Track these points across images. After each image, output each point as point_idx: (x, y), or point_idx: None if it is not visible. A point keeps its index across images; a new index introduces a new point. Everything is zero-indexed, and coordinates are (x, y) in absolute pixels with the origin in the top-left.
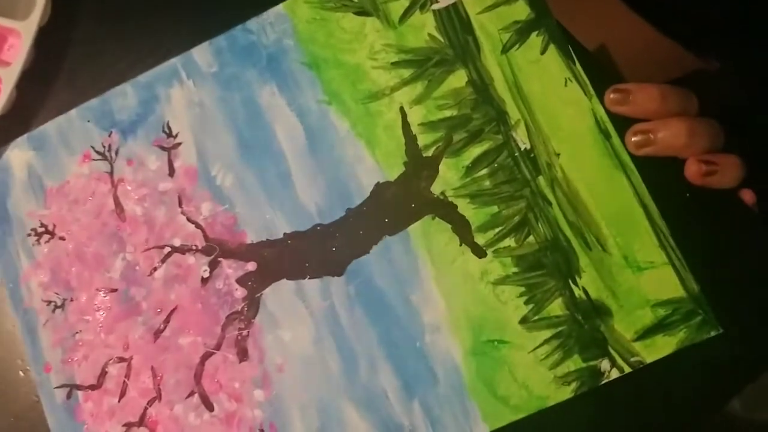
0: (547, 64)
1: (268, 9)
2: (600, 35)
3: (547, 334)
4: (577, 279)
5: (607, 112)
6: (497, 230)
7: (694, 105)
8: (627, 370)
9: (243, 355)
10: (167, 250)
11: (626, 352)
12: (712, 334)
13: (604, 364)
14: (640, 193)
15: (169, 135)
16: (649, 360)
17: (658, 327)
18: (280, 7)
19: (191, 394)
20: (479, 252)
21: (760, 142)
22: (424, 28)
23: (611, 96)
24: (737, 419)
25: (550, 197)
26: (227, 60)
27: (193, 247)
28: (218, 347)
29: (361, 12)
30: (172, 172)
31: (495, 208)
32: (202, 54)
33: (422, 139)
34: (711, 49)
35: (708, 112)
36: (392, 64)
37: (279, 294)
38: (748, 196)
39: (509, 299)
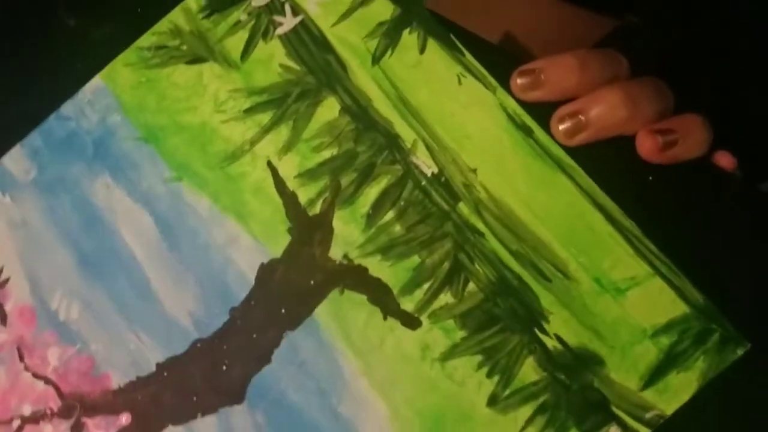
0: (431, 64)
1: (82, 85)
2: (502, 24)
3: (527, 411)
4: (545, 325)
5: (520, 102)
6: (426, 287)
7: (623, 66)
8: (645, 431)
9: None
10: (17, 423)
11: (637, 408)
12: (740, 352)
13: None
14: (590, 192)
15: None
16: (669, 411)
17: (668, 362)
18: (96, 79)
19: None
20: (411, 322)
21: (719, 89)
22: (273, 60)
23: (518, 81)
24: None
25: (480, 226)
26: (46, 159)
27: (48, 412)
28: None
29: (194, 59)
30: (4, 319)
31: (416, 259)
32: (14, 160)
33: (303, 194)
34: (626, 5)
35: (643, 72)
36: (245, 111)
37: None
38: (725, 159)
39: (466, 376)
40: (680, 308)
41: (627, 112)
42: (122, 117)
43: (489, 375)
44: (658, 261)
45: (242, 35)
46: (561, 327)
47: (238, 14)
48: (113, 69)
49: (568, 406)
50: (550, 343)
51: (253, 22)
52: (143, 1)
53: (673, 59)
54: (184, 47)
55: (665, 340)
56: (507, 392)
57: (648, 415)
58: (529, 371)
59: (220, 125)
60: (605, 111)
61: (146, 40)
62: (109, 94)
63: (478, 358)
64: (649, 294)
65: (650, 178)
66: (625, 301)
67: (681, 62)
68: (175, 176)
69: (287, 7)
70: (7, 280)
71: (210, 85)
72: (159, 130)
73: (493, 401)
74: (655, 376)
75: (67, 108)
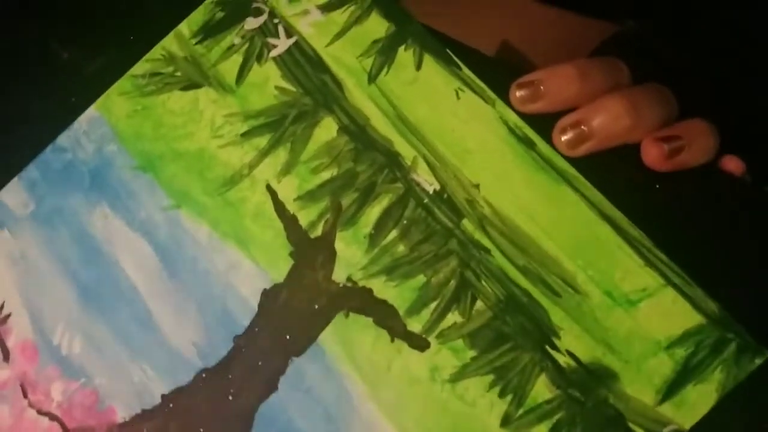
0: (428, 80)
1: (77, 117)
2: (498, 35)
3: (542, 430)
4: (556, 342)
5: (520, 114)
6: (433, 307)
7: (624, 73)
8: None
9: None
10: None
11: (654, 424)
12: (758, 362)
13: None
14: (596, 203)
15: None
16: (687, 425)
17: (685, 374)
18: (91, 109)
19: None
20: (419, 343)
21: (724, 93)
22: (268, 82)
23: (518, 94)
24: None
25: (485, 242)
26: (43, 192)
27: None
28: None
29: (189, 85)
30: (6, 355)
31: (421, 278)
32: (12, 194)
33: (304, 217)
34: (623, 9)
35: (644, 78)
36: (242, 135)
37: None
38: (733, 164)
39: (478, 397)
40: (694, 318)
41: (630, 120)
42: (118, 146)
43: (501, 395)
44: (669, 271)
45: (236, 59)
46: (573, 342)
47: (232, 38)
48: (108, 98)
49: (583, 424)
50: (563, 359)
51: (246, 46)
52: (136, 29)
53: (674, 64)
54: (179, 73)
55: (681, 352)
56: (520, 412)
57: (666, 430)
58: (542, 389)
59: (218, 150)
60: (608, 120)
61: (140, 67)
62: (105, 124)
63: (490, 377)
64: (662, 305)
65: (657, 186)
66: (637, 313)
67: (683, 66)
68: (174, 204)
69: (281, 29)
70: (8, 316)
71: (206, 110)
72: (156, 158)
73: (506, 422)
74: (671, 389)
75: (63, 139)
